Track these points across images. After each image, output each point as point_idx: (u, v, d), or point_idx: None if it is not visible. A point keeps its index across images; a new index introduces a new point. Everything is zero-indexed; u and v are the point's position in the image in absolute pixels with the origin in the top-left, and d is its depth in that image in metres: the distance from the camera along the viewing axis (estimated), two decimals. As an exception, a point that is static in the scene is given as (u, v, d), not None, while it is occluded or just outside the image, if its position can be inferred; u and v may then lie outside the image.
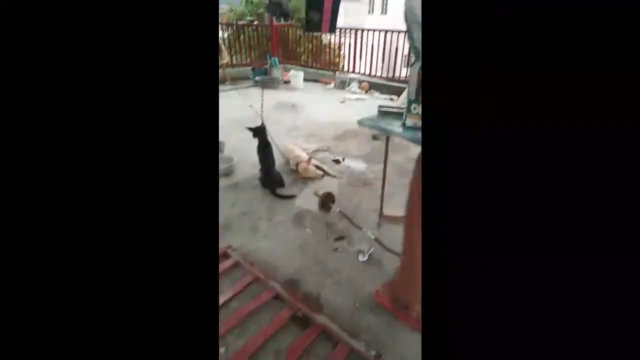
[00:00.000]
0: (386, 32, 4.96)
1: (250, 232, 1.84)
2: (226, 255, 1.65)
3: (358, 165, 2.57)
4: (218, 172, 1.29)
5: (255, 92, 4.51)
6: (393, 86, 4.86)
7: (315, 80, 5.70)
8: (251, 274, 1.53)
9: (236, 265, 1.60)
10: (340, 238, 1.74)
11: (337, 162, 2.59)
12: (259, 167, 2.24)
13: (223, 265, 1.58)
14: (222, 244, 1.70)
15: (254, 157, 2.27)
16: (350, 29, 5.43)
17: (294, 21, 5.80)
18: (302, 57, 6.13)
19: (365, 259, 1.59)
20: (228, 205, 2.05)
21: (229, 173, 2.40)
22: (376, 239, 1.68)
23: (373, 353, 1.13)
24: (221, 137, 2.58)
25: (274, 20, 5.46)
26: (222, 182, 2.29)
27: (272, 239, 1.76)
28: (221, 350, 1.17)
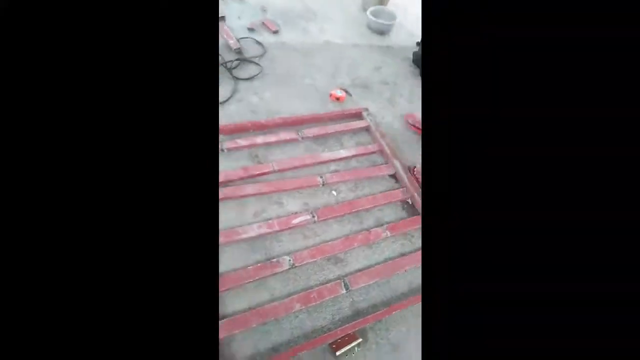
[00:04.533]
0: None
1: (387, 104, 1.98)
2: (359, 116, 1.78)
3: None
4: (218, 174, 1.26)
5: None
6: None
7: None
8: (378, 144, 1.66)
9: (366, 129, 1.75)
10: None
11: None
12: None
13: (354, 125, 1.73)
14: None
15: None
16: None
17: None
18: None
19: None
20: (371, 68, 2.18)
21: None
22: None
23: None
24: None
25: None
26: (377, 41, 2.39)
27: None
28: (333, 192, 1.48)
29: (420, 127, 1.82)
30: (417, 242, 1.39)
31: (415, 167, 1.59)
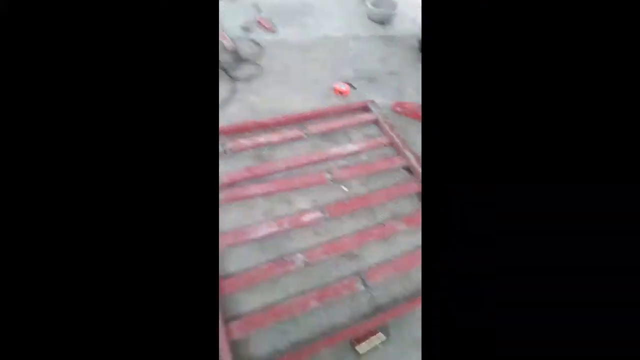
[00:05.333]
0: None
1: (397, 94, 1.93)
2: (366, 109, 1.76)
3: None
4: (218, 171, 1.25)
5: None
6: None
7: None
8: (388, 136, 1.63)
9: (374, 121, 1.72)
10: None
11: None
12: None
13: (361, 118, 1.71)
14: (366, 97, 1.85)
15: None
16: None
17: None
18: None
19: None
20: (375, 59, 2.15)
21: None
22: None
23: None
24: None
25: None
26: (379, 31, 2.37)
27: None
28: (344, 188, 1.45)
29: (410, 113, 1.79)
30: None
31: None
